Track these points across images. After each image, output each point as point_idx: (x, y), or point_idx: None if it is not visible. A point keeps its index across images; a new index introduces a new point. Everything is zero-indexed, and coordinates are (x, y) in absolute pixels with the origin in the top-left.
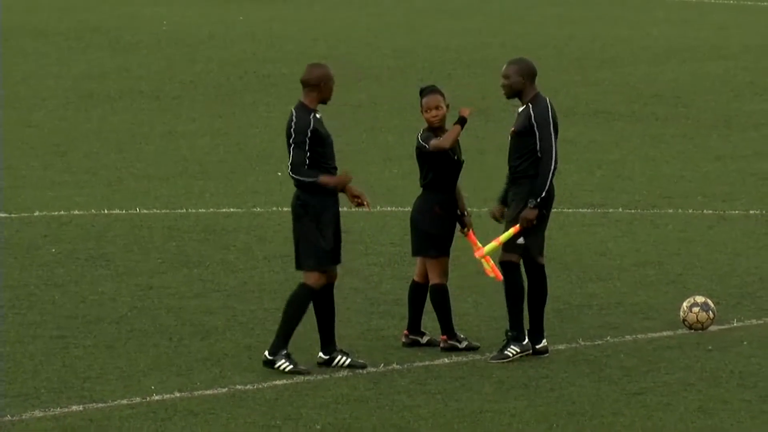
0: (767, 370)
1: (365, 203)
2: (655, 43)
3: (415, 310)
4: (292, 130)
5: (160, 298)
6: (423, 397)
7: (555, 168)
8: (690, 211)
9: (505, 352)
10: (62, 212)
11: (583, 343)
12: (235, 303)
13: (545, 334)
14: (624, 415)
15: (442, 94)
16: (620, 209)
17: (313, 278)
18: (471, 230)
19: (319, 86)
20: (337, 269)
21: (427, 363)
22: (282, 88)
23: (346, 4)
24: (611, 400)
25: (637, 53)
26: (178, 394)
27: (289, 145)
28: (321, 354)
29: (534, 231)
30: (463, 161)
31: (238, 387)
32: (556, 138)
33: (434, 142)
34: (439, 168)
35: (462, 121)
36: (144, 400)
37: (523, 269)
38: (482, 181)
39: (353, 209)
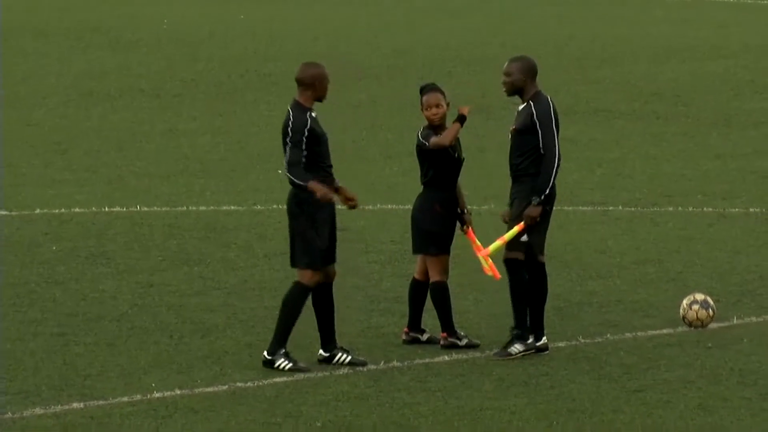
0: (767, 367)
1: (356, 206)
2: (655, 41)
3: (415, 307)
4: (289, 129)
5: (161, 296)
6: (423, 395)
7: (558, 165)
8: (690, 209)
9: (509, 349)
10: (63, 210)
11: (583, 340)
12: (236, 301)
13: (545, 331)
14: (624, 412)
15: (442, 92)
16: (620, 207)
17: (306, 276)
18: (470, 228)
19: (313, 85)
20: (336, 268)
21: (427, 360)
22: (282, 86)
23: (346, 3)
24: (611, 398)
25: (638, 52)
26: (178, 392)
27: (286, 144)
28: (321, 351)
29: (537, 228)
30: (464, 159)
31: (239, 384)
32: (557, 135)
33: (434, 139)
34: (440, 166)
35: (461, 119)
36: (144, 398)
37: None
38: (482, 179)
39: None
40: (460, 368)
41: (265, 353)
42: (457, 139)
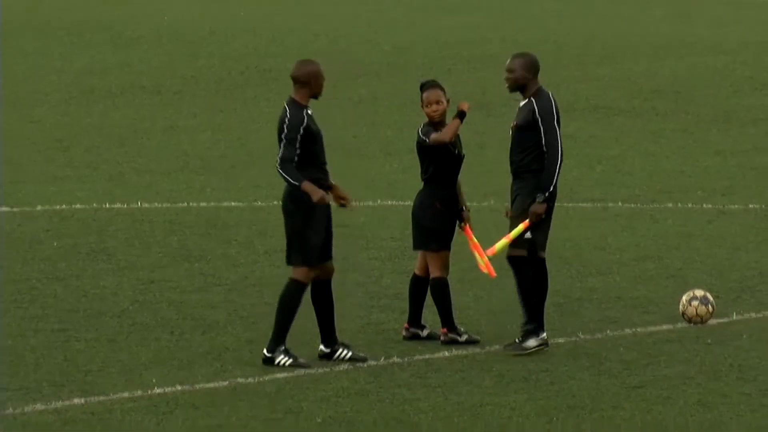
0: (766, 363)
1: (348, 205)
2: (654, 38)
3: (415, 303)
4: (285, 126)
5: (162, 292)
6: (423, 391)
7: (561, 162)
8: (690, 205)
9: (524, 344)
10: (64, 206)
11: (582, 336)
12: (236, 297)
13: (545, 327)
14: (624, 408)
15: (442, 89)
16: (620, 204)
17: (302, 273)
18: (468, 225)
19: (309, 83)
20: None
21: (427, 356)
22: (283, 83)
23: (346, 0)
24: (611, 394)
25: (637, 48)
26: (179, 388)
27: (281, 140)
28: (322, 347)
29: (540, 226)
30: (464, 156)
31: (239, 380)
32: (560, 132)
33: (434, 135)
34: (440, 162)
35: (461, 115)
36: (145, 394)
37: None
38: (482, 176)
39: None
40: (460, 364)
41: (265, 351)
42: (457, 136)
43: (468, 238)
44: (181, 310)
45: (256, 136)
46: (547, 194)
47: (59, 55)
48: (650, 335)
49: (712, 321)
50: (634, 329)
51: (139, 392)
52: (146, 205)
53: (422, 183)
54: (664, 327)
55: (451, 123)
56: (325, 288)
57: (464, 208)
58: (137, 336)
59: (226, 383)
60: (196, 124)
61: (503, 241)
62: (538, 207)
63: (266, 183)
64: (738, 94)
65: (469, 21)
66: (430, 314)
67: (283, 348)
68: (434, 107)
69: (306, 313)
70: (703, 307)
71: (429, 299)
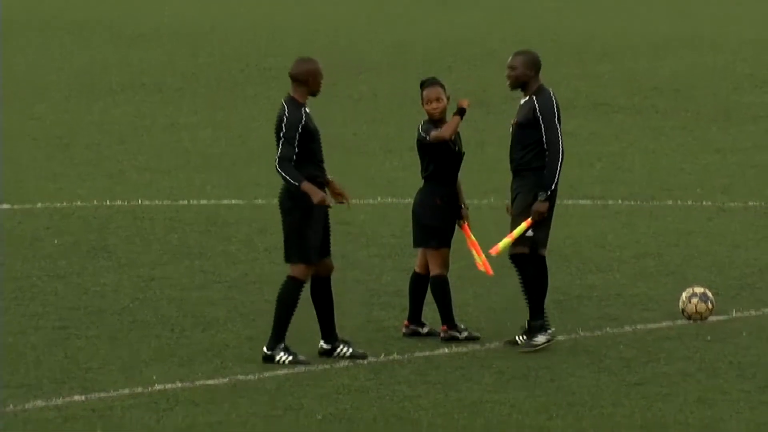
0: (766, 360)
1: (345, 202)
2: (654, 36)
3: (415, 300)
4: (283, 124)
5: (162, 290)
6: (423, 387)
7: (563, 160)
8: (689, 202)
9: (533, 341)
10: (64, 204)
11: (582, 334)
12: (237, 294)
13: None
14: (623, 405)
15: (442, 86)
16: (620, 201)
17: (299, 271)
18: (466, 223)
19: (307, 81)
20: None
21: (427, 353)
22: (283, 80)
23: None
24: (611, 391)
25: (637, 46)
26: (179, 384)
27: (279, 139)
28: (322, 343)
29: (542, 223)
30: (464, 153)
31: (240, 377)
32: (561, 130)
33: (434, 132)
34: (440, 159)
35: (461, 112)
36: (146, 390)
37: None
38: (483, 173)
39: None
40: (460, 361)
41: (265, 349)
42: (457, 133)
43: (466, 235)
44: (181, 308)
45: (256, 134)
46: (549, 192)
47: (60, 52)
48: (650, 332)
49: (712, 318)
50: (633, 326)
51: (140, 389)
52: (147, 202)
53: (422, 180)
54: (664, 324)
55: (451, 120)
56: (325, 285)
57: (463, 205)
58: (138, 333)
59: (226, 380)
60: (196, 121)
61: (507, 240)
62: (541, 205)
63: (266, 181)
64: (738, 92)
65: (469, 18)
66: (430, 311)
67: (282, 345)
68: (434, 104)
69: (306, 311)
70: (703, 304)
71: (429, 296)
